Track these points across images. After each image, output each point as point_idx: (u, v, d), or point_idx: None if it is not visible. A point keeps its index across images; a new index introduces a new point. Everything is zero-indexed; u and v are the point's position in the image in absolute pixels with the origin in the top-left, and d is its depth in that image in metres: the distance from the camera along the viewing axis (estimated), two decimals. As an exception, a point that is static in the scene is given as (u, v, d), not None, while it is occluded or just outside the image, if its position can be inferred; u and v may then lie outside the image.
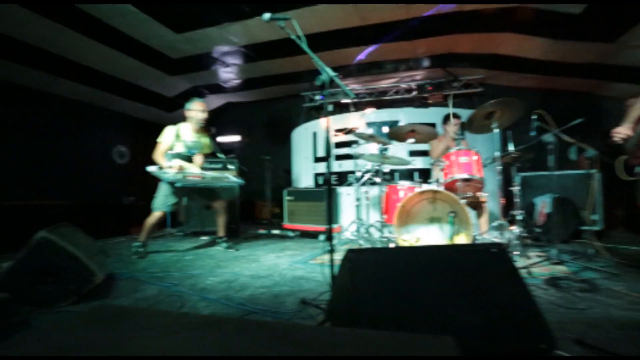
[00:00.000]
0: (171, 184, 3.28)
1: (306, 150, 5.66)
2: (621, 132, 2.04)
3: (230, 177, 3.35)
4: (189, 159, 3.39)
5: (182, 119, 3.54)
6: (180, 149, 3.37)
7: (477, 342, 1.14)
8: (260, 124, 8.00)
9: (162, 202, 3.30)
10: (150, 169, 3.10)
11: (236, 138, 8.46)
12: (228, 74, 6.00)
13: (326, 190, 4.39)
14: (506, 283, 1.30)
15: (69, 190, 5.47)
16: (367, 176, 3.71)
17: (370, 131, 4.88)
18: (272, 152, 6.20)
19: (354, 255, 1.27)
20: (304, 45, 1.90)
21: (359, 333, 0.83)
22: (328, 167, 1.79)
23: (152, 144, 3.39)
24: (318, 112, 6.79)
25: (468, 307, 1.21)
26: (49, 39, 4.30)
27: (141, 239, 3.36)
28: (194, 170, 3.27)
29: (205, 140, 3.54)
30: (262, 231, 5.16)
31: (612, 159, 3.51)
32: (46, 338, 0.93)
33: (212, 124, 3.90)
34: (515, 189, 3.21)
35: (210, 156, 3.83)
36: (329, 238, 1.74)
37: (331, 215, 1.77)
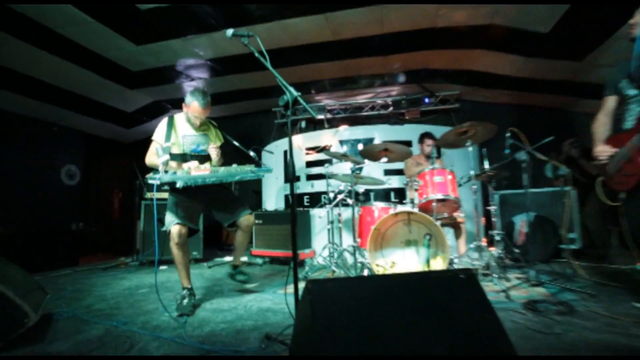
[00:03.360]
0: (174, 190, 2.63)
1: (277, 170, 5.66)
2: (605, 150, 2.13)
3: (253, 167, 2.65)
4: (193, 159, 2.75)
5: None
6: (179, 149, 2.72)
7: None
8: (228, 142, 7.96)
9: (171, 215, 2.59)
10: (151, 181, 2.45)
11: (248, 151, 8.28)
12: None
13: (296, 213, 4.37)
14: (474, 311, 1.33)
15: (10, 216, 5.18)
16: (340, 197, 3.72)
17: (343, 149, 4.97)
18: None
19: (314, 287, 1.27)
20: (267, 63, 1.94)
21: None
22: (291, 189, 1.80)
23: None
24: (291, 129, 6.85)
25: (434, 337, 1.22)
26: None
27: (183, 284, 2.62)
28: (197, 169, 2.60)
29: (211, 131, 2.90)
30: (228, 258, 5.04)
31: (579, 173, 3.71)
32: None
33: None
34: (493, 208, 3.33)
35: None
36: (294, 265, 1.73)
37: (295, 241, 1.77)
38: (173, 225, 2.55)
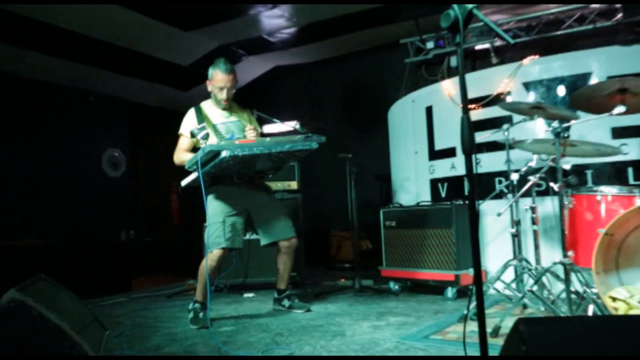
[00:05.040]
0: (219, 182, 3.63)
1: (415, 140, 5.59)
2: None
3: (303, 137, 3.44)
4: None
5: (203, 99, 3.83)
6: (213, 141, 3.62)
7: None
8: (332, 99, 8.11)
9: (218, 230, 3.51)
10: (185, 181, 3.45)
11: (290, 124, 8.59)
12: (275, 20, 6.23)
13: (458, 207, 4.30)
14: None
15: (45, 223, 6.09)
16: (532, 180, 3.52)
17: (531, 97, 4.65)
18: (355, 146, 6.25)
19: (531, 330, 1.19)
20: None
21: None
22: (470, 170, 1.72)
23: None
24: (433, 71, 6.68)
25: None
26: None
27: (198, 298, 3.63)
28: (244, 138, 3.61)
29: (244, 116, 3.94)
30: (343, 281, 5.18)
31: None
32: None
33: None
34: None
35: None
36: (478, 294, 1.65)
37: (478, 253, 1.69)
38: (217, 248, 3.49)
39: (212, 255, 3.46)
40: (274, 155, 3.37)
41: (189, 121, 3.71)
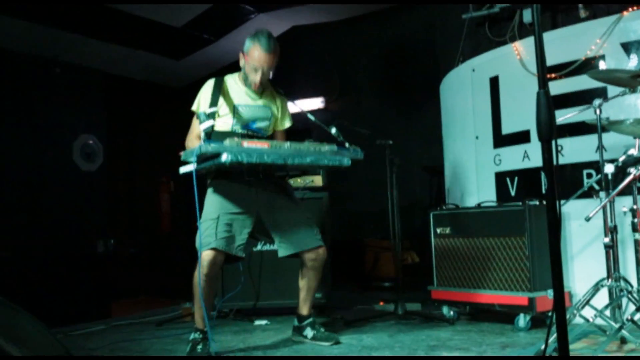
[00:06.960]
0: (221, 176, 3.78)
1: (476, 121, 5.57)
2: None
3: (334, 148, 3.62)
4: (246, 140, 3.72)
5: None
6: (227, 125, 3.83)
7: None
8: (366, 69, 8.09)
9: (210, 229, 3.62)
10: (184, 169, 3.50)
11: (314, 102, 8.52)
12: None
13: (533, 209, 4.28)
14: None
15: (1, 230, 6.16)
16: (633, 173, 3.47)
17: (633, 62, 4.58)
18: (396, 129, 6.24)
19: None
20: None
21: None
22: (549, 160, 1.71)
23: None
24: (499, 29, 6.62)
25: None
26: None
27: (197, 324, 3.71)
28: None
29: (275, 103, 4.09)
30: (382, 305, 5.18)
31: None
32: None
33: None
34: None
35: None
36: (561, 321, 1.64)
37: (560, 270, 1.68)
38: (207, 249, 3.55)
39: (202, 260, 3.52)
40: (292, 167, 3.60)
41: (203, 98, 3.83)
